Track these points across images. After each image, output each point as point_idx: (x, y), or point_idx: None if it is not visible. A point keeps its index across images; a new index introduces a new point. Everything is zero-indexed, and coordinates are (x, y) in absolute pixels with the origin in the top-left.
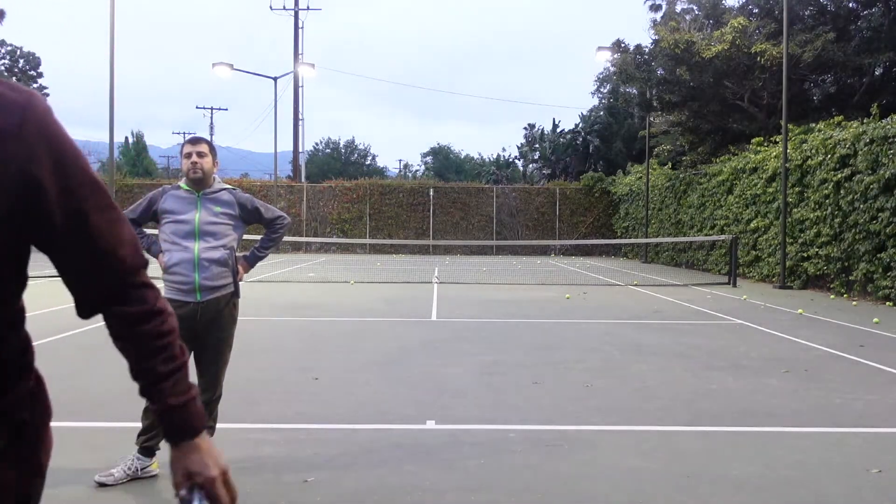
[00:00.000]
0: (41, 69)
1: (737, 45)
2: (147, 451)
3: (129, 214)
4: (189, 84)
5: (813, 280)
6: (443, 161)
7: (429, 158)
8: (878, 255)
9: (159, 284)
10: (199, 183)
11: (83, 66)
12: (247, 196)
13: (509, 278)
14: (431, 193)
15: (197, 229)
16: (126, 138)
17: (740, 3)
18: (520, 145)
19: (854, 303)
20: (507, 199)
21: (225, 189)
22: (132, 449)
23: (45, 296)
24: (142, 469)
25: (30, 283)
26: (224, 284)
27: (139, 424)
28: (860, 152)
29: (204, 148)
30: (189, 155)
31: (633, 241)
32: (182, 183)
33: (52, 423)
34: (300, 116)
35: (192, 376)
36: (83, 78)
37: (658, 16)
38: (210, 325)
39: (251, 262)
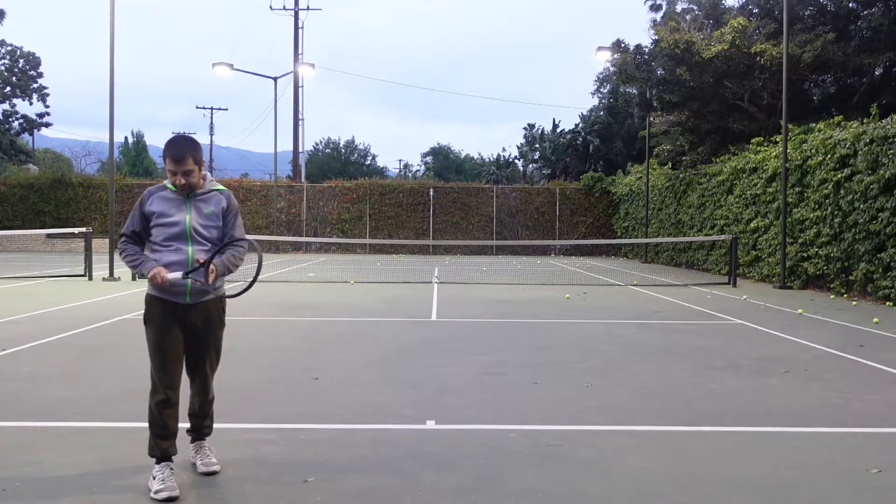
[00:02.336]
0: (41, 69)
1: (737, 45)
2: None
3: (125, 231)
4: (189, 84)
5: (813, 280)
6: (443, 161)
7: (429, 158)
8: (878, 255)
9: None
10: (186, 188)
11: (83, 66)
12: (236, 205)
13: (509, 278)
14: (431, 193)
15: (188, 231)
16: (126, 138)
17: (740, 3)
18: (520, 145)
19: (854, 303)
20: (507, 199)
21: (217, 191)
22: (133, 448)
23: (46, 295)
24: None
25: (30, 283)
26: (215, 288)
27: (139, 424)
28: (860, 152)
29: (189, 164)
30: (174, 173)
31: (633, 241)
32: (168, 183)
33: (53, 423)
34: (300, 116)
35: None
36: (83, 78)
37: (658, 16)
38: (200, 329)
39: (222, 271)
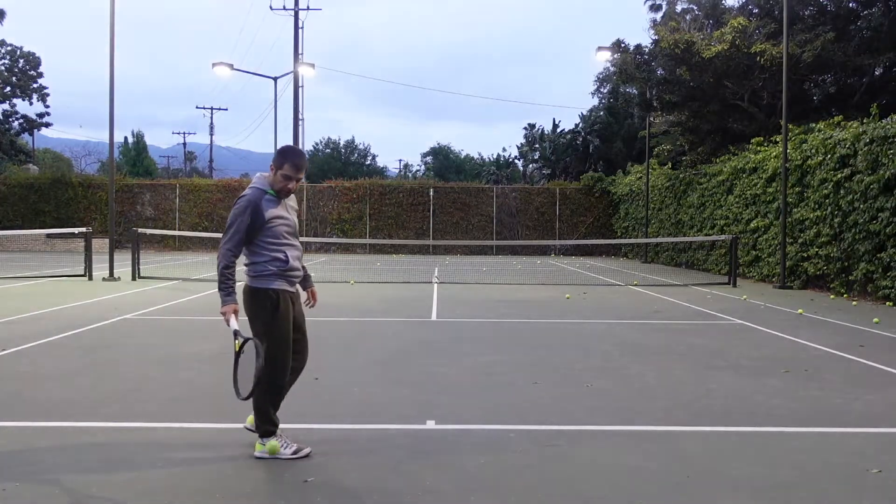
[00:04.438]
0: (41, 69)
1: (737, 45)
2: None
3: (235, 247)
4: (189, 84)
5: (813, 280)
6: (443, 161)
7: (429, 158)
8: (878, 255)
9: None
10: (287, 193)
11: (83, 66)
12: None
13: (509, 278)
14: (431, 193)
15: (296, 228)
16: (126, 138)
17: (740, 3)
18: (520, 145)
19: (854, 303)
20: (507, 199)
21: None
22: (133, 448)
23: (46, 295)
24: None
25: (30, 283)
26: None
27: (139, 424)
28: (860, 152)
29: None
30: (291, 179)
31: (633, 241)
32: (268, 188)
33: (53, 423)
34: (300, 116)
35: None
36: (83, 78)
37: (658, 16)
38: (298, 311)
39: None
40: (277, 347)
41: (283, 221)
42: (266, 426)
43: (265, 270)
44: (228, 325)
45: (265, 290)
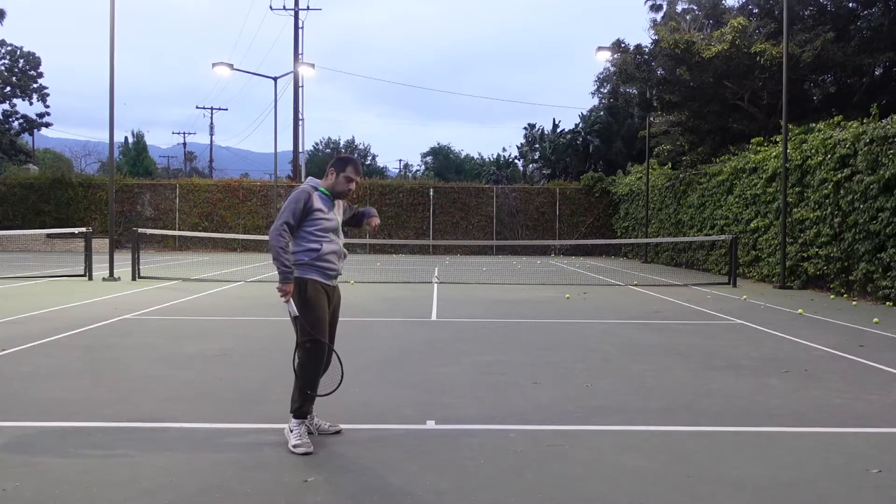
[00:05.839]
0: (41, 69)
1: (737, 45)
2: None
3: (288, 220)
4: (189, 84)
5: (813, 280)
6: (443, 161)
7: (429, 158)
8: (878, 255)
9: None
10: (344, 195)
11: (83, 66)
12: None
13: (509, 278)
14: (431, 193)
15: (339, 227)
16: (126, 138)
17: (740, 3)
18: (520, 145)
19: (854, 303)
20: (507, 199)
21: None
22: (133, 448)
23: (46, 295)
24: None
25: (30, 283)
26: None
27: (139, 424)
28: (860, 152)
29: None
30: (351, 181)
31: (633, 241)
32: (322, 187)
33: (53, 423)
34: (300, 116)
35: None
36: (83, 78)
37: (658, 16)
38: (334, 306)
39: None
40: (311, 331)
41: (325, 215)
42: (296, 407)
43: (300, 260)
44: (286, 303)
45: (296, 278)
